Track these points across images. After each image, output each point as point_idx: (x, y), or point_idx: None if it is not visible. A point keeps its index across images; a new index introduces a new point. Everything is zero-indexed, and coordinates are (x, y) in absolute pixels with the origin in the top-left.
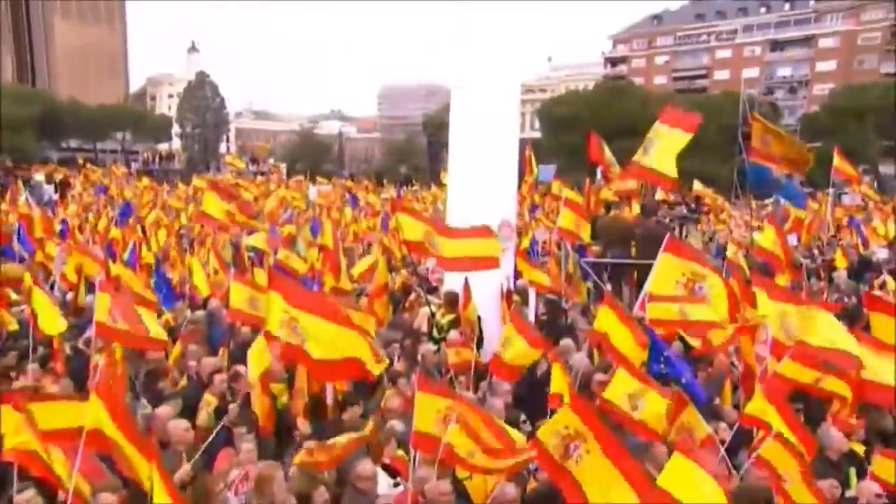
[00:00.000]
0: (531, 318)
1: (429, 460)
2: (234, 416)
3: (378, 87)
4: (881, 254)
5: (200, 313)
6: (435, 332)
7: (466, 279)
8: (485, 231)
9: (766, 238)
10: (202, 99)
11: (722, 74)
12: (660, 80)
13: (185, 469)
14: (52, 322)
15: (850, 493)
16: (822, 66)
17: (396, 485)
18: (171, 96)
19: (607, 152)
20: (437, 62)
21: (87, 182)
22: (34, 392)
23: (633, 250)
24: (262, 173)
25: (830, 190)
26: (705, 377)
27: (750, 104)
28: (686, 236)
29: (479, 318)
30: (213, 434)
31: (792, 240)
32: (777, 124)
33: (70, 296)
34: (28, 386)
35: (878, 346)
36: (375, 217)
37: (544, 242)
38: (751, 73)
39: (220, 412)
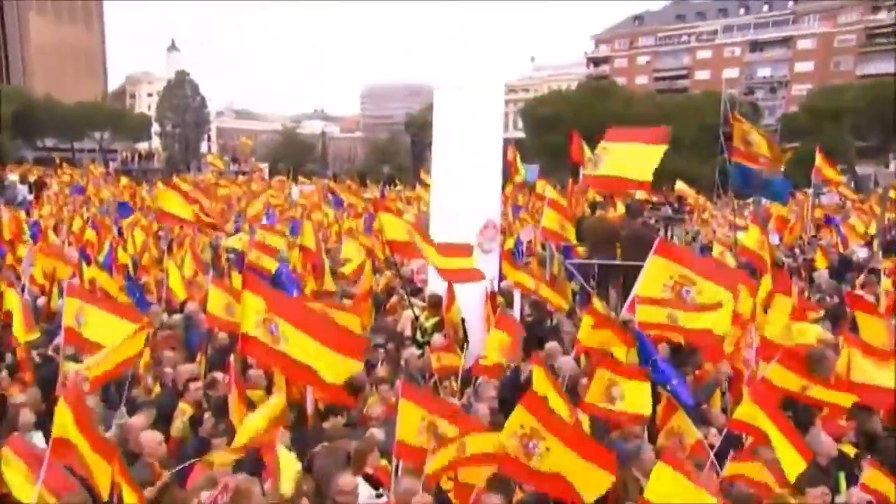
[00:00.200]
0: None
1: (413, 471)
2: (210, 427)
3: (361, 87)
4: (861, 253)
5: (177, 317)
6: (419, 336)
7: (451, 280)
8: (464, 250)
9: (750, 238)
10: (182, 98)
11: (703, 74)
12: (641, 80)
13: (162, 482)
14: (23, 329)
15: (839, 500)
16: (800, 67)
17: (379, 496)
18: (150, 95)
19: (588, 152)
20: (420, 62)
21: (63, 182)
22: None
23: (619, 252)
24: (244, 173)
25: (810, 190)
26: (693, 381)
27: (731, 104)
28: (672, 237)
29: (463, 320)
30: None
31: (774, 239)
32: (758, 124)
33: (42, 301)
34: None
35: (866, 350)
36: (358, 218)
37: (529, 242)
38: (731, 73)
39: (195, 421)
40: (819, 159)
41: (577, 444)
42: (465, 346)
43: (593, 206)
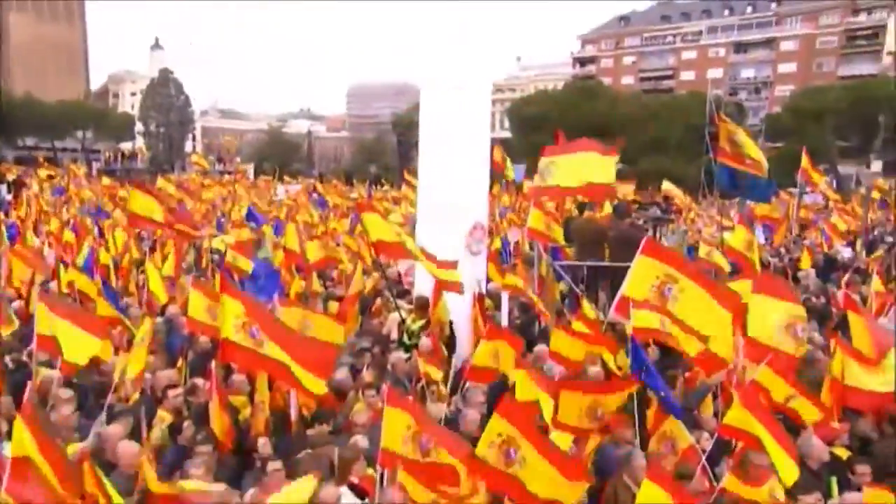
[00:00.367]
0: (504, 322)
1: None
2: (190, 435)
3: (347, 86)
4: (846, 253)
5: (158, 321)
6: (406, 339)
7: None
8: (450, 265)
9: (737, 238)
10: (166, 97)
11: (688, 75)
12: (627, 80)
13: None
14: None
15: (832, 503)
16: (783, 68)
17: None
18: (133, 94)
19: (510, 169)
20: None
21: (42, 180)
22: None
23: (607, 253)
24: (229, 173)
25: (795, 190)
26: (683, 383)
27: (716, 105)
28: (661, 238)
29: (450, 322)
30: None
31: (759, 237)
32: (743, 125)
33: (17, 304)
34: None
35: (859, 358)
36: (344, 218)
37: (517, 243)
38: (715, 73)
39: (174, 429)
40: (805, 160)
41: (550, 453)
42: (452, 345)
43: (581, 206)
